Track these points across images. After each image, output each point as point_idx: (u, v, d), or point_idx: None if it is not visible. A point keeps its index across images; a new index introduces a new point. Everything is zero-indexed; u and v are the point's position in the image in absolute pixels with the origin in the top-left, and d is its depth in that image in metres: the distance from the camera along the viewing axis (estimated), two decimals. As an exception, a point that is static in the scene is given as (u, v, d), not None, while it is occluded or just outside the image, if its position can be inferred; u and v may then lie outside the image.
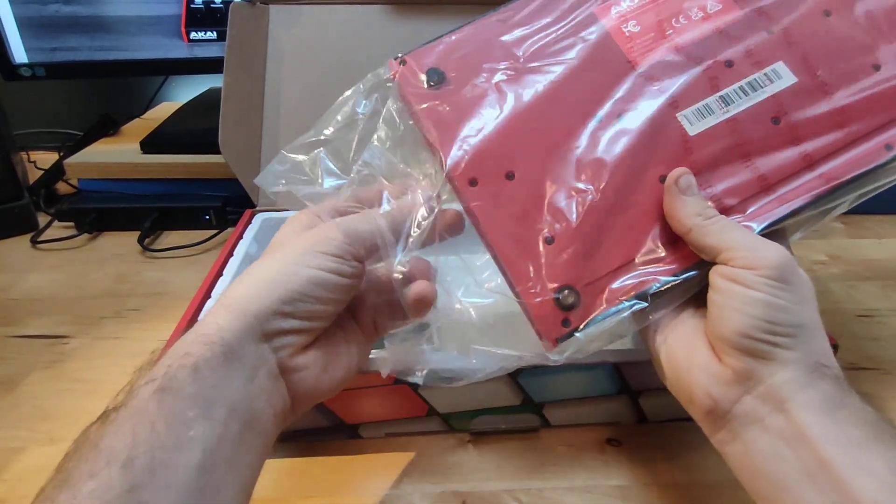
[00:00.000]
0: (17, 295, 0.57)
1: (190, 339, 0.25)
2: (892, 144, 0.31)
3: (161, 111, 0.87)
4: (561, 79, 0.33)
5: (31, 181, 0.73)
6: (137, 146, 0.71)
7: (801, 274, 0.28)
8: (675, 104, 0.32)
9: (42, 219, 0.69)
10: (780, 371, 0.26)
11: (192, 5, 0.72)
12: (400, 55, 0.33)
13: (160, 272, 0.60)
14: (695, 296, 0.30)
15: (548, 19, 0.34)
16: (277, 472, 0.38)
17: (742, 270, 0.27)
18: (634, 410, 0.40)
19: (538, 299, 0.30)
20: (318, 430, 0.39)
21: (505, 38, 0.34)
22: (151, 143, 0.71)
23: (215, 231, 0.66)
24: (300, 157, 0.33)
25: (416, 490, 0.37)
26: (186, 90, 0.93)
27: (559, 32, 0.34)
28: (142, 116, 0.86)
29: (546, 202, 0.31)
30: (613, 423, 0.41)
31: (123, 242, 0.65)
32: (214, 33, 0.73)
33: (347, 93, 0.33)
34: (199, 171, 0.69)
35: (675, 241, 0.30)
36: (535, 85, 0.32)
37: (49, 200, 0.72)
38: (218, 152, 0.57)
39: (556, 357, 0.30)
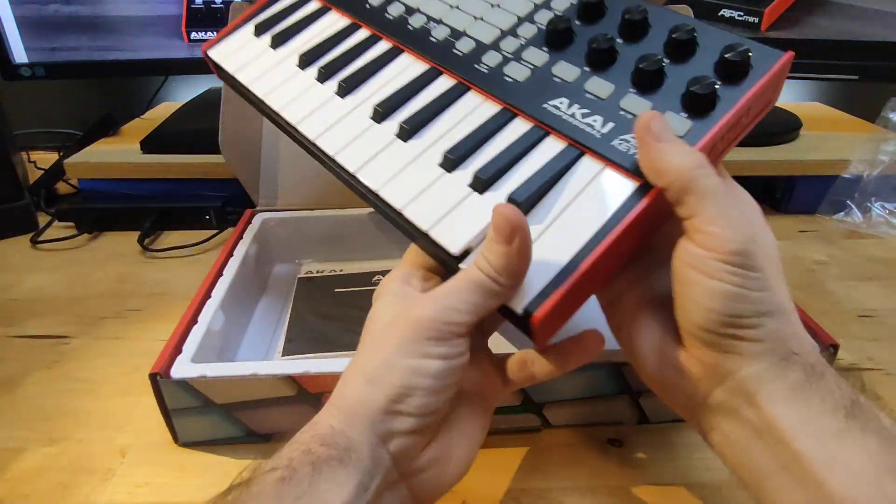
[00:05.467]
0: (18, 295, 0.57)
1: (307, 437, 0.24)
2: None
3: (161, 111, 0.87)
4: None
5: (31, 181, 0.73)
6: (137, 146, 0.71)
7: (768, 249, 0.25)
8: None
9: (42, 219, 0.69)
10: (748, 364, 0.25)
11: (193, 5, 0.72)
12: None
13: (160, 272, 0.60)
14: (659, 286, 0.29)
15: None
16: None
17: (702, 252, 0.24)
18: (636, 411, 0.40)
19: None
20: (319, 430, 0.39)
21: None
22: (151, 143, 0.71)
23: (215, 231, 0.66)
24: None
25: (417, 490, 0.36)
26: (186, 90, 0.93)
27: None
28: (142, 116, 0.86)
29: None
30: (614, 423, 0.41)
31: (123, 242, 0.65)
32: (215, 33, 0.73)
33: None
34: (199, 171, 0.69)
35: None
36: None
37: (49, 200, 0.72)
38: (218, 152, 0.57)
39: None
